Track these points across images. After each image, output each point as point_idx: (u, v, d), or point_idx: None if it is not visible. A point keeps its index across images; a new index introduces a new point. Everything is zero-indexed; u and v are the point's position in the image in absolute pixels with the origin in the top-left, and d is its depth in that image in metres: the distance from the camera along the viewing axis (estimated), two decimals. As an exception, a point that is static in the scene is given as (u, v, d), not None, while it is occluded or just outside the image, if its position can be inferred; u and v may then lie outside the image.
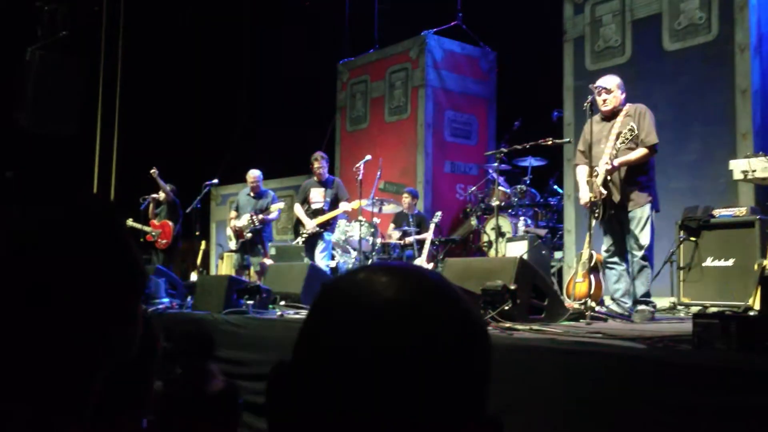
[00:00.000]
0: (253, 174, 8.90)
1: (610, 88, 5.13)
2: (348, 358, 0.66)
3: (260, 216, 8.60)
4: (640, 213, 4.98)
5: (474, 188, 8.94)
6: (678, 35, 6.78)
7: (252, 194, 8.88)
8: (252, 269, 8.69)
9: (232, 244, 8.95)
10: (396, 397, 0.65)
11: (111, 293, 0.80)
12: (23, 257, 0.72)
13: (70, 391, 0.75)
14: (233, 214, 8.99)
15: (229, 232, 9.04)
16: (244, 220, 8.66)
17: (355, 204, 7.94)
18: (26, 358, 0.73)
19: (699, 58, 6.60)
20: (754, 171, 5.06)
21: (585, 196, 5.09)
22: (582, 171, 5.23)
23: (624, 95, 5.18)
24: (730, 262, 5.46)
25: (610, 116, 5.15)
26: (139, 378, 1.35)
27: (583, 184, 5.15)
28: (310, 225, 8.06)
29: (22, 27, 10.56)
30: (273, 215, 8.82)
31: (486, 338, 0.73)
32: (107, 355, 0.80)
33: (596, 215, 5.02)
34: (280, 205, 8.83)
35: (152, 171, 9.69)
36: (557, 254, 7.86)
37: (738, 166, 5.24)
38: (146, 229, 9.82)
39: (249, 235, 8.60)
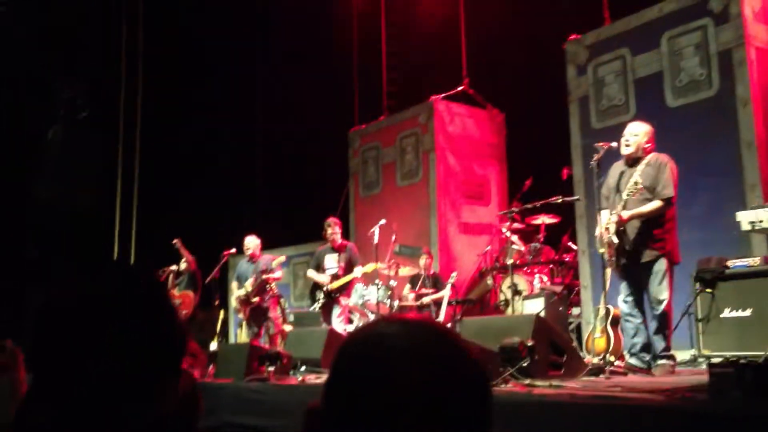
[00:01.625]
0: (250, 241, 8.97)
1: (636, 133, 5.17)
2: (366, 403, 0.76)
3: (263, 276, 8.56)
4: (657, 267, 4.99)
5: (489, 248, 9.02)
6: (680, 92, 6.94)
7: (251, 261, 8.95)
8: (269, 333, 8.69)
9: (240, 315, 8.96)
10: None
11: (162, 350, 0.90)
12: (92, 320, 0.83)
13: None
14: (235, 284, 9.02)
15: (235, 304, 8.99)
16: (246, 287, 8.67)
17: (369, 267, 8.01)
18: (93, 402, 0.83)
19: (702, 113, 6.74)
20: (761, 221, 5.12)
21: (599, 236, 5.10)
22: (604, 215, 5.21)
23: (649, 145, 5.21)
24: (748, 312, 5.46)
25: (632, 162, 5.17)
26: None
27: (602, 227, 5.15)
28: (326, 279, 8.10)
29: (44, 106, 10.95)
30: (277, 273, 8.77)
31: (487, 386, 0.82)
32: (158, 402, 0.90)
33: (610, 265, 5.04)
34: (281, 258, 8.85)
35: (175, 241, 9.83)
36: (575, 310, 7.87)
37: (746, 218, 5.31)
38: (166, 300, 9.91)
39: (255, 300, 8.61)
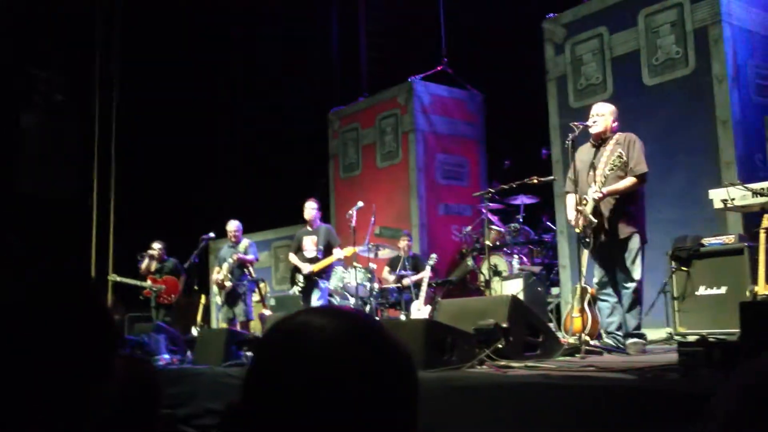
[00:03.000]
0: (232, 225, 8.99)
1: (602, 113, 5.19)
2: (289, 397, 0.73)
3: (236, 257, 8.62)
4: (631, 244, 5.01)
5: (468, 229, 9.02)
6: (657, 70, 6.94)
7: (232, 245, 8.94)
8: (238, 321, 8.70)
9: (218, 299, 8.99)
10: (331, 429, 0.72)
11: (85, 352, 0.87)
12: (11, 323, 0.80)
13: None
14: (216, 269, 9.04)
15: (215, 287, 9.04)
16: (223, 271, 8.73)
17: (347, 251, 8.00)
18: (11, 409, 0.80)
19: (678, 91, 6.74)
20: (733, 199, 5.14)
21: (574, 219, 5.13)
22: (571, 199, 5.24)
23: (616, 124, 5.23)
24: (723, 290, 5.51)
25: (600, 142, 5.18)
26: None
27: (572, 210, 5.19)
28: (307, 268, 8.10)
29: (18, 93, 10.77)
30: (249, 257, 8.78)
31: (414, 377, 0.80)
32: (88, 409, 0.87)
33: (586, 244, 5.04)
34: (245, 242, 8.84)
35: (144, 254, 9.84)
36: (554, 290, 7.90)
37: (718, 195, 5.33)
38: (144, 284, 9.88)
39: (229, 284, 8.62)
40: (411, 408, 0.79)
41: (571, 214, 5.20)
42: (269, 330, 0.82)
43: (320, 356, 0.75)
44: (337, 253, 8.09)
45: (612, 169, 4.90)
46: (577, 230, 5.09)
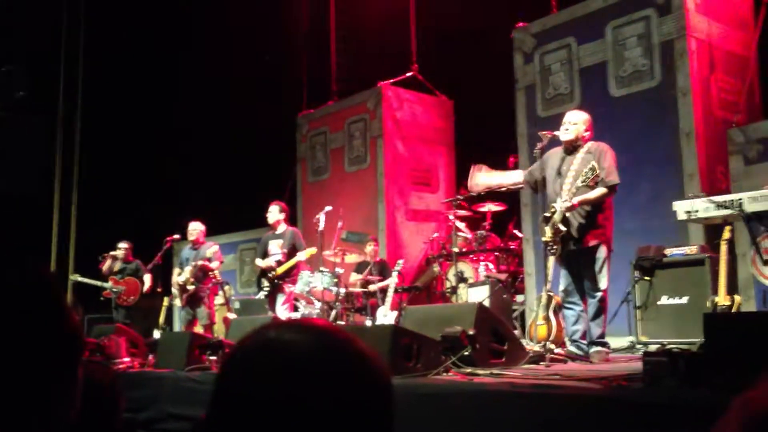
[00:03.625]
0: (193, 226, 8.85)
1: (575, 121, 5.20)
2: (259, 412, 0.71)
3: (200, 263, 8.47)
4: (598, 254, 5.04)
5: (435, 235, 9.04)
6: (623, 82, 7.04)
7: (193, 247, 8.82)
8: (199, 323, 8.58)
9: (178, 301, 8.84)
10: None
11: (50, 357, 0.84)
12: None
13: None
14: (177, 270, 8.89)
15: (175, 290, 8.85)
16: (185, 274, 8.56)
17: (308, 252, 7.91)
18: None
19: (644, 103, 6.85)
20: (696, 211, 5.23)
21: (480, 179, 5.61)
22: (513, 175, 5.69)
23: (588, 133, 5.23)
24: (685, 300, 5.60)
25: (571, 150, 5.19)
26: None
27: (496, 175, 5.66)
28: (272, 264, 8.00)
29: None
30: (214, 264, 8.65)
31: (389, 390, 0.78)
32: (51, 414, 0.83)
33: (553, 252, 5.04)
34: (215, 247, 8.68)
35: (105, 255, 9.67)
36: (519, 297, 7.95)
37: (682, 207, 5.41)
38: (105, 285, 9.71)
39: (191, 288, 8.50)
40: (386, 423, 0.77)
41: (483, 178, 5.66)
42: (237, 344, 0.80)
43: (291, 372, 0.73)
44: (299, 255, 8.00)
45: (584, 181, 4.88)
46: (544, 238, 5.11)
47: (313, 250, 7.91)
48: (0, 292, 0.83)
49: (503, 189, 6.01)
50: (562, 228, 4.92)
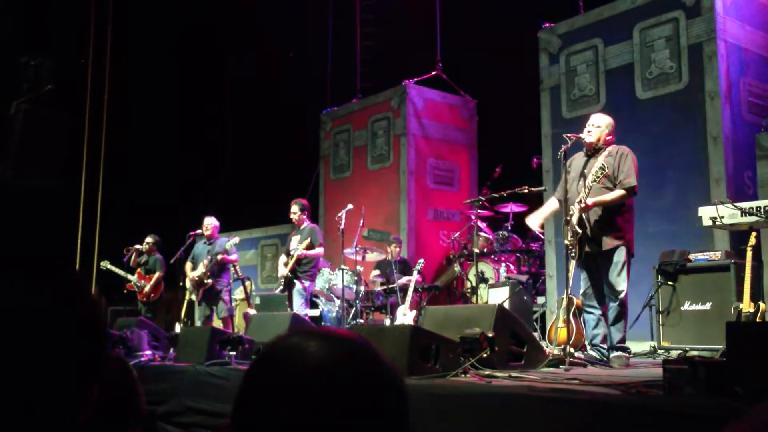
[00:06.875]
0: (207, 222, 8.84)
1: (598, 124, 5.20)
2: (280, 422, 0.72)
3: (219, 257, 8.45)
4: (617, 257, 5.00)
5: (457, 235, 9.02)
6: (650, 84, 6.96)
7: (207, 242, 8.81)
8: (217, 317, 8.60)
9: (194, 296, 8.84)
10: None
11: (78, 352, 0.85)
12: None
13: None
14: (189, 265, 8.84)
15: (189, 285, 8.82)
16: (200, 269, 8.55)
17: (303, 244, 7.86)
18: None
19: (671, 106, 6.77)
20: (722, 218, 5.16)
21: (531, 222, 5.56)
22: (548, 205, 5.62)
23: (611, 137, 5.22)
24: (708, 306, 5.53)
25: (593, 152, 5.18)
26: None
27: (537, 215, 5.59)
28: (282, 272, 8.03)
29: (6, 81, 10.66)
30: (233, 256, 8.65)
31: (406, 400, 0.79)
32: (77, 411, 0.85)
33: (573, 255, 5.02)
34: (235, 240, 8.70)
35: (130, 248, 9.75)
36: (540, 299, 7.91)
37: (707, 213, 5.34)
38: (130, 277, 9.81)
39: (209, 281, 8.51)
40: (401, 430, 0.77)
41: (533, 219, 5.55)
42: (261, 352, 0.81)
43: (312, 382, 0.73)
44: (299, 249, 7.92)
45: (595, 180, 4.86)
46: (566, 241, 5.07)
47: (305, 243, 7.85)
48: (32, 285, 0.84)
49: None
50: (578, 229, 4.91)
